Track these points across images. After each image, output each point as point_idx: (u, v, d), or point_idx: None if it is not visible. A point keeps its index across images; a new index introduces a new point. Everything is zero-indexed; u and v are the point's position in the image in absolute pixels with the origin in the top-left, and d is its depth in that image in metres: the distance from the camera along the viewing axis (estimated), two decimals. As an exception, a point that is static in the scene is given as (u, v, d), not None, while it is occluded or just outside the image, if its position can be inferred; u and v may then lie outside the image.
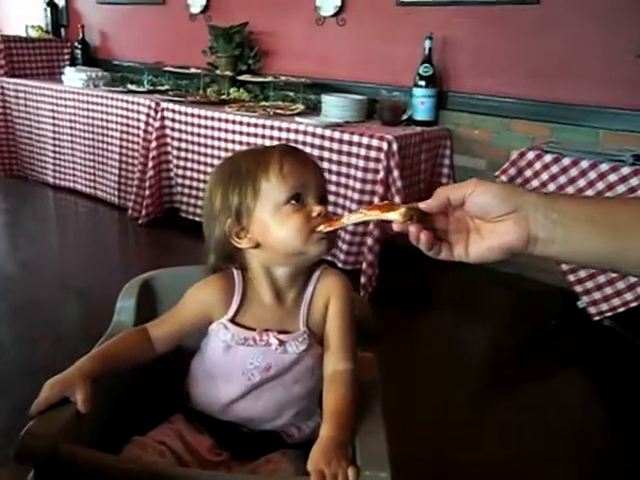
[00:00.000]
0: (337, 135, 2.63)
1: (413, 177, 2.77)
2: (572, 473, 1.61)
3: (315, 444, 0.83)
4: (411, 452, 1.42)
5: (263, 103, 3.30)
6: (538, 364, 2.18)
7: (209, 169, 3.13)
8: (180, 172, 3.28)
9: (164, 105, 3.27)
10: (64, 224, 3.69)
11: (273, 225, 0.90)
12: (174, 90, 3.72)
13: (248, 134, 2.94)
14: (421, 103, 2.87)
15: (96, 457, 0.79)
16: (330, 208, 0.94)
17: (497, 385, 2.09)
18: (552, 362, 2.22)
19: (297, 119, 2.85)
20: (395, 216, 0.70)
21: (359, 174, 2.56)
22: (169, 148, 3.30)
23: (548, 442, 1.70)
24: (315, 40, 3.33)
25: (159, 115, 3.28)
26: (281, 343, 0.94)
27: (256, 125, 2.91)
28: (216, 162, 3.07)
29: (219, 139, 3.06)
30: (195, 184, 3.23)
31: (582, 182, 2.17)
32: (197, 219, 3.21)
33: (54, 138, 3.91)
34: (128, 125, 3.45)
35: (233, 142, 3.01)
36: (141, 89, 3.69)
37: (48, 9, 4.45)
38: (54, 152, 3.95)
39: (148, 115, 3.33)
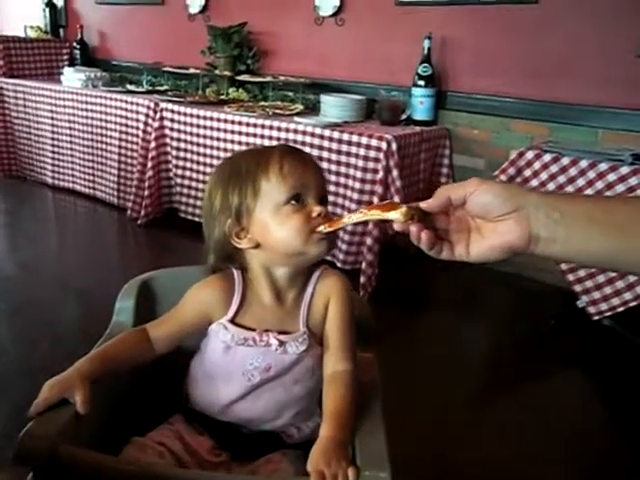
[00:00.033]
0: (336, 135, 2.63)
1: (412, 177, 2.77)
2: (572, 473, 1.60)
3: (315, 444, 0.83)
4: (411, 452, 1.42)
5: (262, 103, 3.30)
6: (538, 364, 2.18)
7: (208, 169, 3.13)
8: (179, 172, 3.28)
9: (163, 105, 3.27)
10: (63, 224, 3.69)
11: (273, 225, 0.90)
12: (173, 90, 3.72)
13: (247, 134, 2.94)
14: (420, 103, 2.87)
15: (95, 458, 0.79)
16: (329, 208, 0.94)
17: (497, 385, 2.08)
18: (552, 362, 2.22)
19: (296, 119, 2.84)
20: (396, 215, 0.70)
21: (358, 174, 2.56)
22: (168, 148, 3.29)
23: (548, 442, 1.70)
24: (314, 40, 3.32)
25: (158, 115, 3.28)
26: (281, 343, 0.94)
27: (255, 125, 2.90)
28: (215, 162, 3.07)
29: (218, 139, 3.06)
30: (194, 184, 3.23)
31: (581, 181, 2.17)
32: (196, 219, 3.20)
33: (53, 138, 3.91)
34: (127, 125, 3.45)
35: (232, 142, 3.01)
36: (140, 89, 3.69)
37: (47, 9, 4.45)
38: (53, 152, 3.94)
39: (147, 115, 3.33)
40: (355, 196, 2.57)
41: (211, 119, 3.06)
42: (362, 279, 2.51)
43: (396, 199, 2.47)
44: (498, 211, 0.67)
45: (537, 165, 2.28)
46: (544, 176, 2.26)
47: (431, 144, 2.87)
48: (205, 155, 3.14)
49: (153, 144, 3.28)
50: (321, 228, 0.88)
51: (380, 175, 2.50)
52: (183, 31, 3.86)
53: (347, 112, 2.93)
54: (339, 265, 2.62)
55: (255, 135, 2.91)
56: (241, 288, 0.97)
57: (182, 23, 3.85)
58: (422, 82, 2.85)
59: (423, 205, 0.71)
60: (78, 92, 3.69)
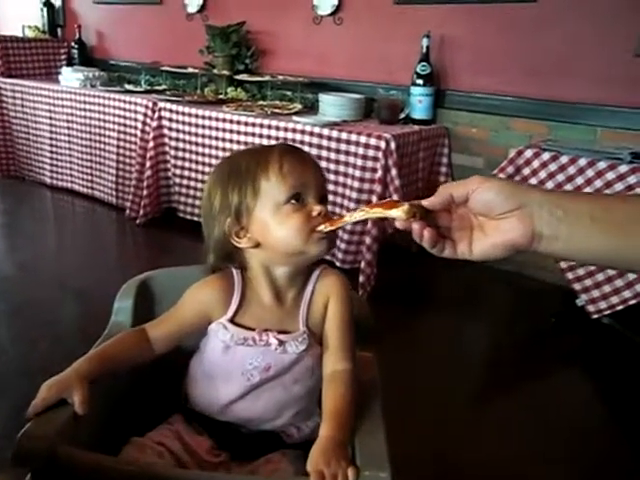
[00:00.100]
0: (335, 134, 2.62)
1: (411, 176, 2.77)
2: (572, 473, 1.60)
3: (314, 444, 0.82)
4: (411, 452, 1.42)
5: (261, 102, 3.29)
6: (537, 363, 2.18)
7: (207, 169, 3.12)
8: (178, 172, 3.27)
9: (161, 105, 3.26)
10: (62, 224, 3.68)
11: (273, 224, 0.90)
12: (171, 90, 3.71)
13: (246, 133, 2.93)
14: (419, 102, 2.87)
15: (94, 459, 0.79)
16: (328, 207, 0.93)
17: (497, 384, 2.08)
18: (551, 360, 2.21)
19: (295, 118, 2.84)
20: (398, 213, 0.69)
21: (357, 173, 2.56)
22: (167, 148, 3.29)
23: (548, 442, 1.70)
24: (312, 39, 3.32)
25: (156, 115, 3.27)
26: (281, 343, 0.94)
27: (254, 124, 2.90)
28: (214, 162, 3.07)
29: (217, 139, 3.06)
30: (193, 184, 3.23)
31: (580, 180, 2.17)
32: (195, 219, 3.20)
33: (51, 138, 3.90)
34: (125, 125, 3.44)
35: (231, 142, 3.00)
36: (138, 89, 3.68)
37: (44, 9, 4.44)
38: (51, 152, 3.94)
39: (145, 115, 3.32)
40: (354, 195, 2.57)
41: (209, 118, 3.06)
42: (361, 278, 2.51)
43: (395, 198, 2.46)
44: (500, 209, 0.67)
45: (536, 164, 2.27)
46: (543, 174, 2.26)
47: (430, 143, 2.86)
48: (204, 154, 3.14)
49: (151, 144, 3.27)
50: (321, 227, 0.87)
51: (379, 174, 2.50)
52: (181, 30, 3.86)
53: (346, 111, 2.93)
54: (338, 264, 2.62)
55: (254, 134, 2.90)
56: (240, 287, 0.96)
57: (180, 22, 3.85)
58: (421, 81, 2.85)
59: (425, 203, 0.71)
60: (76, 92, 3.68)
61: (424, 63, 2.83)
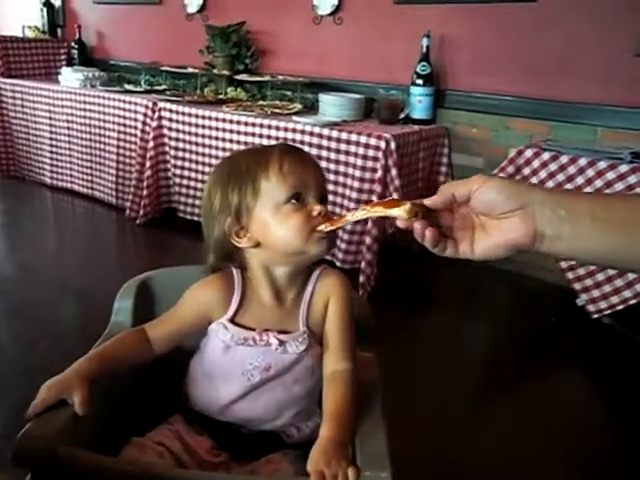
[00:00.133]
0: (335, 134, 2.62)
1: (411, 176, 2.77)
2: (572, 473, 1.60)
3: (315, 444, 0.82)
4: (411, 452, 1.42)
5: (261, 102, 3.29)
6: (538, 363, 2.18)
7: (207, 169, 3.12)
8: (178, 172, 3.27)
9: (161, 105, 3.26)
10: (62, 224, 3.68)
11: (273, 224, 0.90)
12: (171, 90, 3.71)
13: (246, 133, 2.93)
14: (419, 101, 2.87)
15: (94, 459, 0.79)
16: (328, 207, 0.93)
17: (497, 384, 2.08)
18: (552, 360, 2.21)
19: (295, 118, 2.84)
20: (400, 212, 0.69)
21: (357, 173, 2.56)
22: (167, 148, 3.29)
23: (548, 442, 1.70)
24: (312, 39, 3.32)
25: (156, 115, 3.27)
26: (281, 343, 0.94)
27: (254, 124, 2.90)
28: (214, 162, 3.07)
29: (217, 139, 3.06)
30: (193, 184, 3.23)
31: (580, 180, 2.17)
32: (195, 219, 3.20)
33: (51, 138, 3.90)
34: (125, 125, 3.44)
35: (231, 142, 3.00)
36: (138, 89, 3.68)
37: (44, 9, 4.44)
38: (51, 152, 3.94)
39: (145, 115, 3.32)
40: (354, 195, 2.57)
41: (209, 118, 3.06)
42: (361, 278, 2.51)
43: (396, 197, 2.46)
44: (502, 208, 0.66)
45: (536, 163, 2.27)
46: (543, 174, 2.25)
47: (430, 143, 2.86)
48: (204, 154, 3.14)
49: (151, 144, 3.27)
50: (322, 227, 0.87)
51: (379, 174, 2.50)
52: (181, 30, 3.86)
53: (346, 111, 2.93)
54: (338, 264, 2.62)
55: (254, 134, 2.90)
56: (241, 287, 0.96)
57: (180, 22, 3.85)
58: (421, 81, 2.84)
59: (427, 202, 0.70)
60: (76, 92, 3.68)
61: (424, 63, 2.83)
